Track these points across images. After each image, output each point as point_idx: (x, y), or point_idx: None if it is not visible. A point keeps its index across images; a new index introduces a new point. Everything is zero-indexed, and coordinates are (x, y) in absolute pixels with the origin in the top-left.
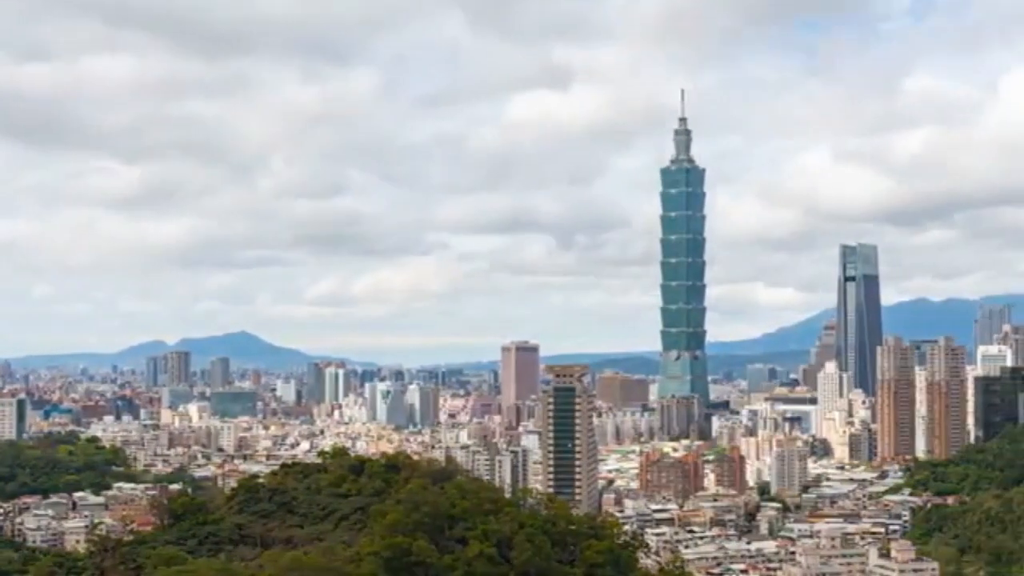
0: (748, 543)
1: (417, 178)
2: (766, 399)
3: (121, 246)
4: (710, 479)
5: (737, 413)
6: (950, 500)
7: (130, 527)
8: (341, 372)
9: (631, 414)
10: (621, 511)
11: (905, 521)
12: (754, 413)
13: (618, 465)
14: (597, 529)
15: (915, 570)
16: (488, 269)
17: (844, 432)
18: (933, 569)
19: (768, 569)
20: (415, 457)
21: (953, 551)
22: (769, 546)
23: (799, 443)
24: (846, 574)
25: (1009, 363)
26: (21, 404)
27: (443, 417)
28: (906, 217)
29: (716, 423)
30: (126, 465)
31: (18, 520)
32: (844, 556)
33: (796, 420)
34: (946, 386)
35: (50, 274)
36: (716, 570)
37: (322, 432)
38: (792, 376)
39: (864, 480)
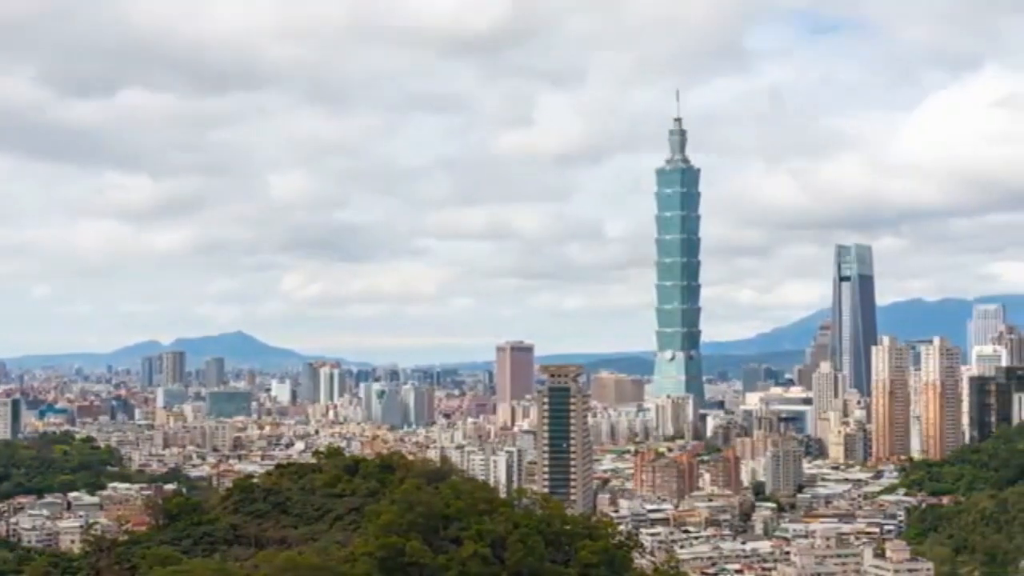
0: (743, 543)
1: (410, 192)
2: (761, 399)
3: (123, 250)
4: (705, 479)
5: (732, 413)
6: (945, 500)
7: (125, 527)
8: (336, 372)
9: (626, 414)
10: (616, 511)
11: (900, 521)
12: (749, 413)
13: (613, 465)
14: (592, 529)
15: (910, 570)
16: (484, 269)
17: (839, 432)
18: (928, 569)
19: (763, 569)
20: (410, 457)
21: (948, 551)
22: (764, 546)
23: (794, 443)
24: (841, 574)
25: (1004, 363)
26: (16, 404)
27: (438, 417)
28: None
29: (711, 423)
30: (121, 465)
31: (13, 520)
32: (839, 556)
33: (791, 420)
34: (941, 386)
35: (49, 276)
36: (711, 570)
37: (317, 432)
38: (787, 376)
39: (859, 480)
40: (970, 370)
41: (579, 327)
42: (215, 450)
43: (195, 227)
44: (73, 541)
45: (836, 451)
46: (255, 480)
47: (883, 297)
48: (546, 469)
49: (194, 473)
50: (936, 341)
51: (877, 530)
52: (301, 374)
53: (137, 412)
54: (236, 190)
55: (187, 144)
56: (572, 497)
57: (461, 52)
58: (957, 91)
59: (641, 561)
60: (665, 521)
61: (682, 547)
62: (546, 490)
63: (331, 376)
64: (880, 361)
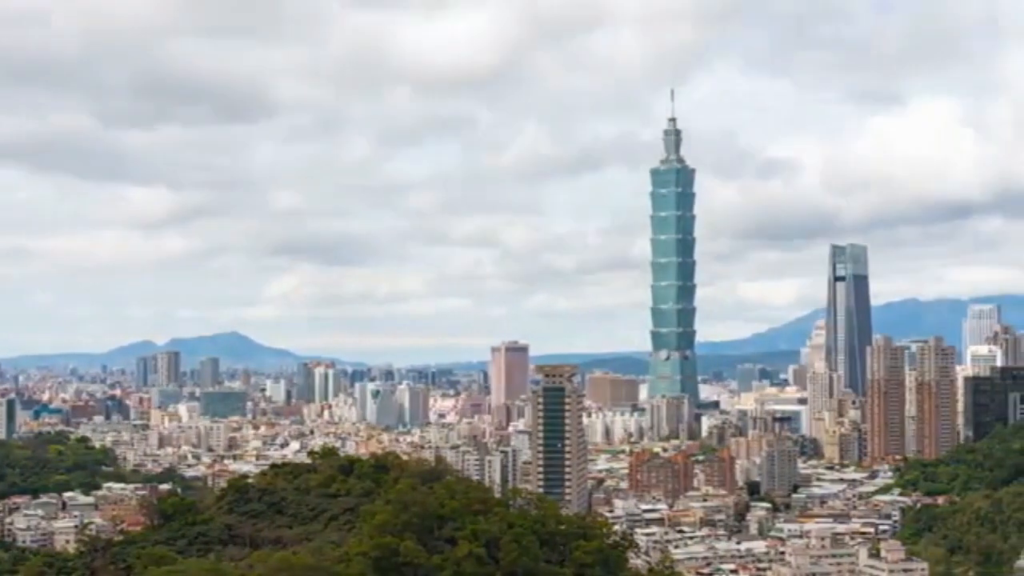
0: (738, 543)
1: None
2: (756, 399)
3: (120, 252)
4: (700, 479)
5: (727, 413)
6: (940, 500)
7: (120, 527)
8: (331, 372)
9: (621, 414)
10: (611, 511)
11: (895, 521)
12: (744, 413)
13: (608, 465)
14: (587, 529)
15: (905, 570)
16: (479, 270)
17: (834, 432)
18: (923, 569)
19: (758, 569)
20: (404, 457)
21: (943, 551)
22: (759, 546)
23: (789, 443)
24: (836, 574)
25: (999, 363)
26: (11, 404)
27: (433, 417)
28: None
29: (706, 423)
30: (116, 465)
31: (8, 520)
32: (834, 556)
33: (786, 420)
34: (936, 386)
35: (46, 277)
36: (706, 570)
37: (312, 432)
38: (782, 376)
39: (854, 480)
40: (965, 370)
41: (574, 327)
42: (210, 450)
43: (194, 233)
44: (68, 541)
45: (831, 451)
46: (250, 480)
47: (878, 297)
48: (541, 469)
49: (189, 473)
50: (931, 341)
51: (872, 530)
52: (296, 374)
53: (132, 412)
54: (237, 202)
55: (198, 164)
56: (567, 497)
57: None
58: None
59: (636, 561)
60: (660, 521)
61: (677, 547)
62: (541, 490)
63: (326, 376)
64: (875, 361)
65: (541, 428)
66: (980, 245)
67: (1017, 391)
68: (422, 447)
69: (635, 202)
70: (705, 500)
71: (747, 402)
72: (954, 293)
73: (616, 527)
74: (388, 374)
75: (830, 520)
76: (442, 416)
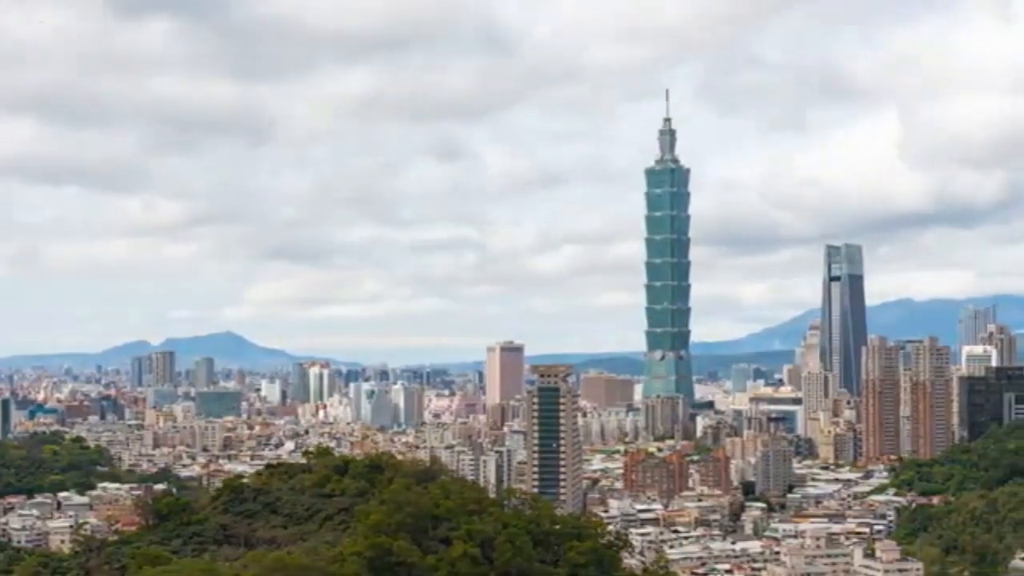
0: (733, 543)
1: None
2: (751, 399)
3: (115, 253)
4: (695, 479)
5: (722, 413)
6: (935, 500)
7: (115, 527)
8: (326, 372)
9: (616, 414)
10: (606, 511)
11: (890, 521)
12: (739, 413)
13: (603, 465)
14: (581, 529)
15: (900, 570)
16: (473, 270)
17: (829, 432)
18: (918, 569)
19: (753, 569)
20: (399, 457)
21: (938, 551)
22: (754, 546)
23: (784, 443)
24: (831, 574)
25: (994, 363)
26: (6, 404)
27: (428, 417)
28: None
29: (701, 423)
30: (111, 465)
31: (3, 520)
32: (829, 556)
33: (781, 420)
34: (931, 386)
35: (41, 277)
36: (701, 570)
37: (307, 432)
38: (777, 376)
39: (849, 480)
40: (960, 370)
41: (569, 327)
42: (205, 450)
43: (189, 235)
44: (63, 541)
45: (826, 451)
46: (245, 480)
47: (873, 297)
48: (536, 469)
49: (184, 473)
50: (926, 341)
51: (867, 530)
52: (291, 374)
53: (127, 412)
54: (233, 207)
55: (198, 176)
56: (562, 497)
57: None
58: None
59: (630, 561)
60: (655, 521)
61: (672, 547)
62: (536, 490)
63: (321, 376)
64: (870, 361)
65: (536, 428)
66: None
67: (1012, 391)
68: (417, 447)
69: (630, 202)
70: (700, 500)
71: (742, 402)
72: (949, 293)
73: (611, 527)
74: (383, 374)
75: (825, 520)
76: (437, 416)
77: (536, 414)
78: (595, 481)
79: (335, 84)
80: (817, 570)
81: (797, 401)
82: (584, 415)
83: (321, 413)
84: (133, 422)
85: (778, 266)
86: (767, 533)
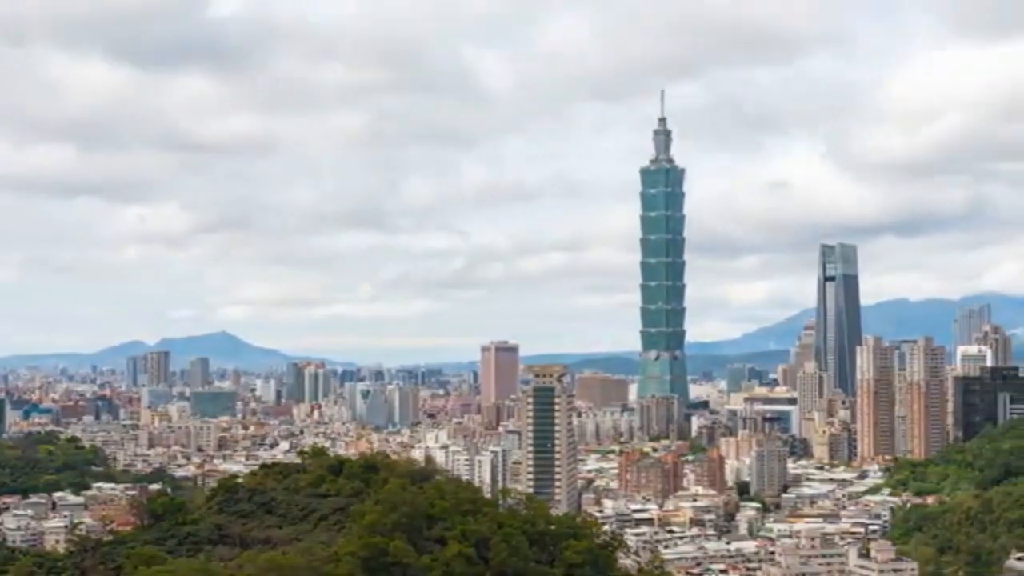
0: (728, 543)
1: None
2: (746, 399)
3: (111, 251)
4: (690, 479)
5: (717, 413)
6: (930, 500)
7: (110, 527)
8: (321, 372)
9: (611, 414)
10: (600, 511)
11: (885, 521)
12: (734, 413)
13: (598, 465)
14: (576, 529)
15: (894, 570)
16: (468, 271)
17: (824, 432)
18: (912, 569)
19: (748, 569)
20: (394, 457)
21: (932, 551)
22: (749, 546)
23: (779, 443)
24: (826, 574)
25: (989, 363)
26: (1, 404)
27: (423, 417)
28: None
29: (696, 423)
30: (106, 465)
31: None
32: (824, 556)
33: (776, 420)
34: (926, 386)
35: (37, 277)
36: (696, 570)
37: (301, 432)
38: (772, 376)
39: (844, 480)
40: (955, 370)
41: (564, 327)
42: (200, 450)
43: (191, 241)
44: (58, 541)
45: (821, 451)
46: (240, 480)
47: (868, 297)
48: (531, 469)
49: (179, 473)
50: (920, 341)
51: (862, 530)
52: (286, 374)
53: (122, 412)
54: (229, 211)
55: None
56: (557, 497)
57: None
58: None
59: (625, 561)
60: (650, 521)
61: (666, 547)
62: (531, 490)
63: (316, 376)
64: (865, 361)
65: (531, 428)
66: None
67: (1007, 391)
68: (412, 447)
69: (625, 201)
70: (695, 500)
71: (737, 402)
72: (944, 293)
73: (606, 527)
74: (378, 374)
75: (820, 520)
76: (432, 416)
77: (531, 414)
78: (590, 481)
79: (339, 118)
80: (812, 570)
81: (792, 401)
82: (579, 415)
83: (316, 413)
84: (128, 422)
85: (773, 266)
86: (762, 533)
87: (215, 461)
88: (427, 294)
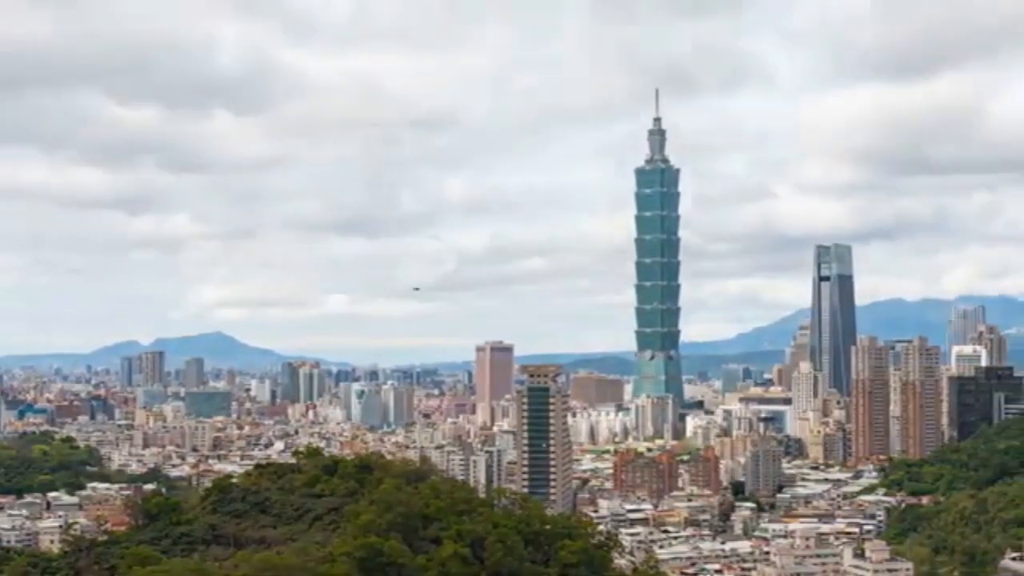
0: (722, 543)
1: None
2: (740, 399)
3: (106, 250)
4: (684, 479)
5: (711, 413)
6: (925, 500)
7: (104, 527)
8: (316, 372)
9: (605, 414)
10: (595, 511)
11: (880, 521)
12: (728, 413)
13: (592, 465)
14: (571, 529)
15: (889, 570)
16: (465, 270)
17: (818, 432)
18: (907, 569)
19: (742, 569)
20: (389, 457)
21: (927, 551)
22: (743, 546)
23: (773, 443)
24: (820, 574)
25: (984, 363)
26: None
27: (418, 417)
28: None
29: (690, 423)
30: (100, 465)
31: None
32: (818, 556)
33: (770, 420)
34: (920, 386)
35: (31, 277)
36: (690, 570)
37: (296, 432)
38: (766, 376)
39: (839, 480)
40: (950, 370)
41: (559, 327)
42: (195, 450)
43: (180, 235)
44: (52, 541)
45: (815, 451)
46: (234, 480)
47: (863, 297)
48: (526, 469)
49: (174, 473)
50: (915, 341)
51: (857, 530)
52: (280, 374)
53: (117, 412)
54: (236, 224)
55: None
56: (552, 497)
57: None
58: None
59: (620, 561)
60: (644, 521)
61: (661, 547)
62: (526, 490)
63: (311, 376)
64: (859, 361)
65: (526, 428)
66: None
67: (1002, 391)
68: (407, 447)
69: (620, 202)
70: (690, 500)
71: (732, 402)
72: (939, 293)
73: (601, 527)
74: (373, 374)
75: (815, 520)
76: (427, 416)
77: (526, 414)
78: (585, 481)
79: (336, 146)
80: (807, 570)
81: (787, 401)
82: (574, 415)
83: (311, 413)
84: (123, 422)
85: (768, 266)
86: (757, 533)
87: (210, 461)
88: (421, 295)
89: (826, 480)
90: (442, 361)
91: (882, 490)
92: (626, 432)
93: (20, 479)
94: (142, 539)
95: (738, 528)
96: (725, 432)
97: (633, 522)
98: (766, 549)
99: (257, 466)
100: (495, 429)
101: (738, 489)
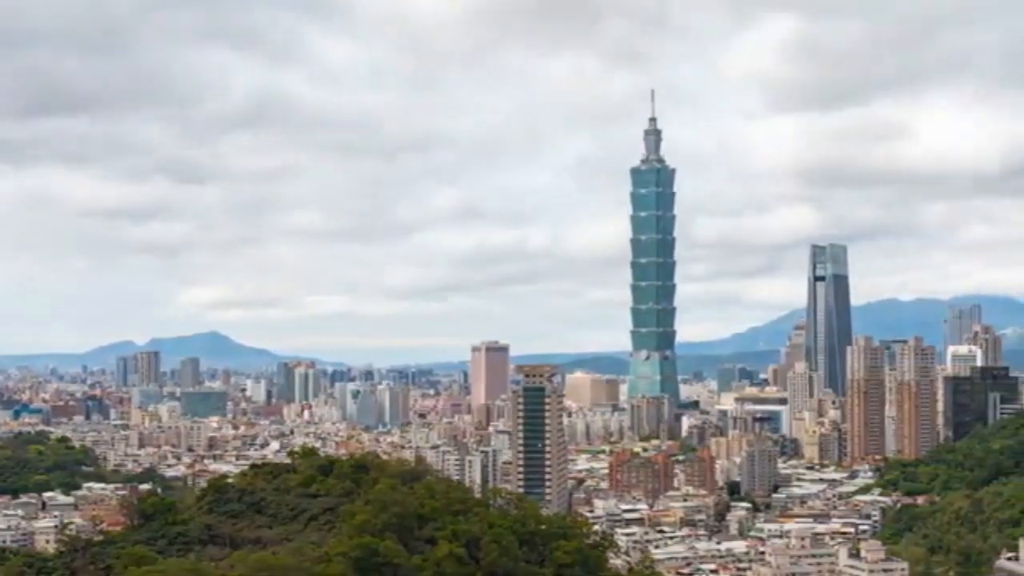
0: (718, 543)
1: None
2: (736, 399)
3: (102, 249)
4: (680, 479)
5: (707, 413)
6: (920, 500)
7: (100, 527)
8: (311, 372)
9: (601, 414)
10: (591, 511)
11: (875, 521)
12: (724, 413)
13: (588, 465)
14: (567, 529)
15: (885, 570)
16: (460, 271)
17: (814, 432)
18: (903, 569)
19: (738, 569)
20: (384, 457)
21: (923, 551)
22: (739, 546)
23: (769, 443)
24: (816, 574)
25: (979, 363)
26: None
27: (413, 417)
28: None
29: (686, 423)
30: (96, 465)
31: None
32: (814, 556)
33: (766, 420)
34: (916, 386)
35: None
36: (686, 570)
37: (292, 432)
38: (762, 376)
39: (834, 480)
40: (945, 370)
41: (554, 327)
42: (190, 450)
43: (175, 234)
44: (48, 541)
45: (811, 451)
46: (230, 480)
47: (859, 297)
48: (521, 469)
49: (169, 473)
50: (911, 341)
51: (852, 530)
52: (276, 374)
53: (112, 412)
54: (235, 228)
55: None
56: (547, 497)
57: None
58: None
59: (616, 561)
60: (640, 521)
61: (657, 547)
62: (521, 490)
63: (306, 376)
64: (855, 361)
65: (521, 428)
66: None
67: (997, 391)
68: (402, 447)
69: (616, 202)
70: (685, 500)
71: (727, 402)
72: (935, 293)
73: (596, 527)
74: (368, 374)
75: (810, 520)
76: (422, 416)
77: (521, 414)
78: (580, 481)
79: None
80: (802, 570)
81: (782, 401)
82: (569, 415)
83: (306, 413)
84: (118, 422)
85: (763, 266)
86: (752, 533)
87: (205, 461)
88: (417, 295)
89: (821, 480)
90: (437, 361)
91: (877, 490)
92: (621, 432)
93: (16, 479)
94: (138, 539)
95: (734, 528)
96: (720, 432)
97: (629, 522)
98: (762, 549)
99: (253, 466)
100: (490, 429)
101: (734, 489)
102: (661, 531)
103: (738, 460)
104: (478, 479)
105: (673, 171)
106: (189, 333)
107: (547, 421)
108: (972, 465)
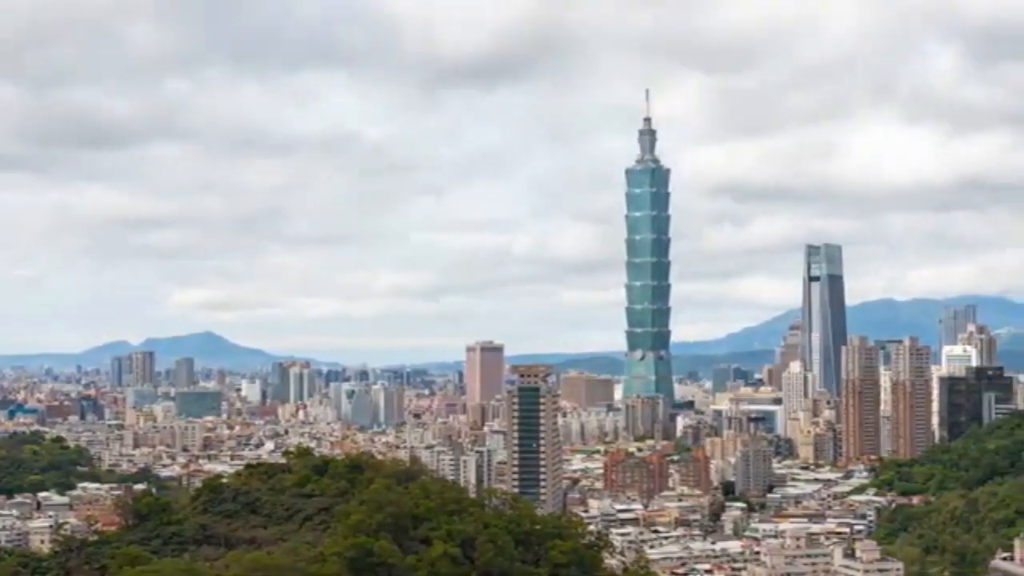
0: (713, 543)
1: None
2: (731, 399)
3: (98, 249)
4: (675, 479)
5: (702, 413)
6: (915, 500)
7: (95, 527)
8: (306, 372)
9: (596, 414)
10: (586, 511)
11: (870, 521)
12: (719, 413)
13: (583, 465)
14: (562, 529)
15: (880, 570)
16: (457, 271)
17: (809, 432)
18: (898, 569)
19: (733, 569)
20: (379, 457)
21: (918, 551)
22: (734, 546)
23: (764, 443)
24: (811, 574)
25: (974, 363)
26: None
27: (408, 417)
28: None
29: (681, 423)
30: (91, 465)
31: None
32: (809, 556)
33: (761, 420)
34: (911, 386)
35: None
36: (681, 570)
37: (287, 432)
38: (757, 376)
39: (829, 480)
40: (940, 370)
41: (549, 327)
42: (185, 450)
43: (170, 234)
44: (43, 541)
45: (806, 451)
46: (225, 480)
47: (854, 297)
48: (516, 469)
49: (164, 473)
50: (906, 341)
51: (847, 530)
52: (271, 374)
53: (107, 412)
54: (233, 230)
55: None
56: (542, 497)
57: None
58: None
59: (611, 561)
60: (635, 521)
61: (652, 547)
62: (516, 490)
63: (301, 376)
64: (850, 361)
65: (516, 428)
66: None
67: (992, 391)
68: (397, 447)
69: (611, 202)
70: (680, 500)
71: (722, 402)
72: (930, 293)
73: (591, 527)
74: (363, 374)
75: (805, 520)
76: (417, 416)
77: (516, 414)
78: (575, 481)
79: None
80: (797, 570)
81: (777, 401)
82: (564, 415)
83: (301, 413)
84: (113, 422)
85: (759, 266)
86: (747, 533)
87: (200, 461)
88: (412, 295)
89: (816, 480)
90: (432, 361)
91: (872, 490)
92: (616, 432)
93: (10, 479)
94: (132, 539)
95: (728, 528)
96: (715, 432)
97: (623, 522)
98: (756, 549)
99: (247, 466)
100: (485, 429)
101: (728, 489)
102: (656, 531)
103: (733, 460)
104: (473, 479)
105: (668, 171)
106: (184, 333)
107: (542, 421)
108: (967, 465)
